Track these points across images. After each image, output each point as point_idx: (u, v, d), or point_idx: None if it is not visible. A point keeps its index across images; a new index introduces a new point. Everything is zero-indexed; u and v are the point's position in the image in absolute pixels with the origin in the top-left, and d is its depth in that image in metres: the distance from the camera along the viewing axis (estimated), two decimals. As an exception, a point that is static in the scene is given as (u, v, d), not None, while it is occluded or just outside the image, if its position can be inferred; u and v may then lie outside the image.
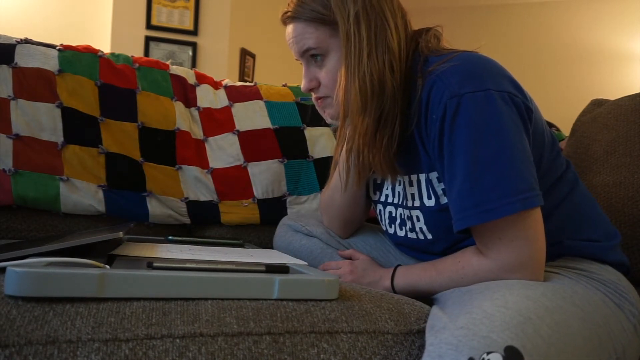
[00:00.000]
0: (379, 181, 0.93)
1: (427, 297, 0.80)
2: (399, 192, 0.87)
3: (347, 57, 0.75)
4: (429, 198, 0.79)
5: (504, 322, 0.52)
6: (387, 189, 0.91)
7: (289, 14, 0.80)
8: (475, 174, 0.67)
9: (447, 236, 0.79)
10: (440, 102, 0.69)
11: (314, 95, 0.86)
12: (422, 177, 0.79)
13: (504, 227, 0.67)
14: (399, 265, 0.85)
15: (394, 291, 0.82)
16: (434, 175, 0.77)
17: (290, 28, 0.81)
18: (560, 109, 3.24)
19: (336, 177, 0.95)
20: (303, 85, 0.84)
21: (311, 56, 0.81)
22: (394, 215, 0.89)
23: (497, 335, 0.50)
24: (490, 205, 0.65)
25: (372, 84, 0.74)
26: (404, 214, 0.86)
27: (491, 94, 0.67)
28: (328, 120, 0.87)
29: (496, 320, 0.53)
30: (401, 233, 0.88)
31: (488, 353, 0.48)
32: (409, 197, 0.83)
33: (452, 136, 0.68)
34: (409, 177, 0.82)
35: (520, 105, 0.70)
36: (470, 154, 0.67)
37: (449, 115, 0.68)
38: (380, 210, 0.93)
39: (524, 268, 0.67)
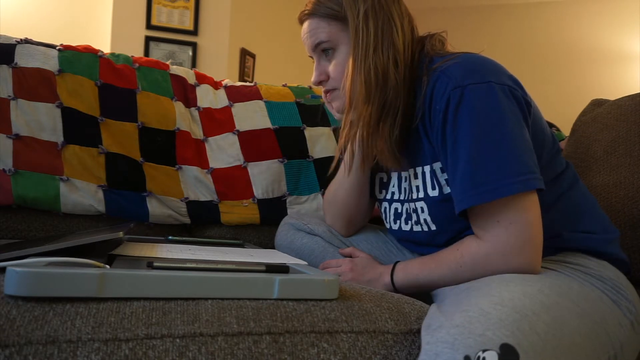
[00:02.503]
0: (385, 180, 0.94)
1: (428, 292, 0.80)
2: (404, 188, 0.88)
3: (354, 51, 0.80)
4: (433, 188, 0.81)
5: (500, 320, 0.52)
6: (393, 187, 0.92)
7: (306, 11, 0.86)
8: (477, 159, 0.69)
9: (451, 226, 0.80)
10: (444, 94, 0.73)
11: (322, 89, 0.90)
12: (427, 168, 0.82)
13: (502, 209, 0.69)
14: (398, 261, 0.86)
15: (394, 287, 0.83)
16: (437, 166, 0.80)
17: (306, 24, 0.87)
18: (560, 109, 3.24)
19: (340, 173, 0.96)
20: (313, 78, 0.88)
21: (322, 51, 0.86)
22: (399, 211, 0.90)
23: (493, 333, 0.50)
24: (490, 186, 0.68)
25: (377, 76, 0.78)
26: (410, 208, 0.87)
27: (492, 86, 0.71)
28: (336, 116, 0.91)
29: (492, 317, 0.53)
30: (406, 227, 0.89)
31: (484, 351, 0.48)
32: (414, 189, 0.85)
33: (455, 124, 0.71)
34: (414, 170, 0.84)
35: (519, 98, 0.73)
36: (473, 140, 0.70)
37: (453, 104, 0.71)
38: (385, 208, 0.94)
39: (521, 252, 0.68)
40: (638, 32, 4.17)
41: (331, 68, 0.86)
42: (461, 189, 0.71)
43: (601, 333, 0.62)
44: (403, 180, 0.88)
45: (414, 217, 0.86)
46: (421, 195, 0.83)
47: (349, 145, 0.88)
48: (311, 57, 0.90)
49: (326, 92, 0.89)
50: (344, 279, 0.88)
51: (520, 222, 0.68)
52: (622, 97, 1.18)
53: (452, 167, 0.73)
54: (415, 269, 0.81)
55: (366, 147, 0.83)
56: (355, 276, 0.89)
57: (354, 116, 0.81)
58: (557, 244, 0.77)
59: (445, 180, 0.78)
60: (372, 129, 0.80)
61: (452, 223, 0.78)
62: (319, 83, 0.89)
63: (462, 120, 0.70)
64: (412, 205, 0.86)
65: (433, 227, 0.83)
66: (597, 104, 1.27)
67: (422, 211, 0.83)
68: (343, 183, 0.97)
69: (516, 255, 0.68)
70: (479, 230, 0.72)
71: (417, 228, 0.86)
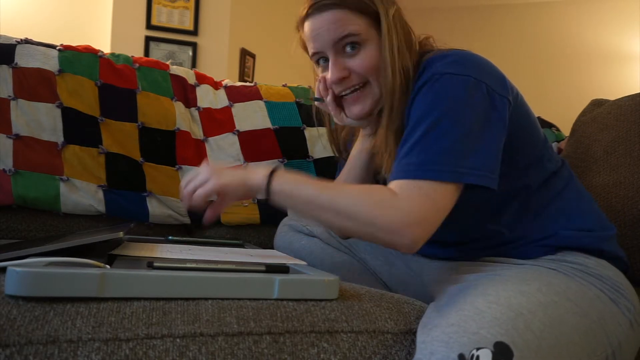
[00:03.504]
0: (381, 183, 0.94)
1: (421, 295, 0.79)
2: None
3: (389, 50, 0.77)
4: None
5: (494, 318, 0.53)
6: None
7: (327, 1, 0.77)
8: (431, 136, 0.68)
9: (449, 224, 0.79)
10: (422, 80, 0.73)
11: (337, 90, 0.82)
12: None
13: (428, 186, 0.66)
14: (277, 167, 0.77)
15: (268, 189, 0.72)
16: None
17: (327, 15, 0.78)
18: (560, 109, 3.24)
19: (341, 177, 0.95)
20: (332, 75, 0.79)
21: (344, 46, 0.78)
22: None
23: (487, 331, 0.51)
24: (430, 167, 0.67)
25: (401, 79, 0.76)
26: None
27: (469, 80, 0.70)
28: (345, 121, 0.85)
29: (486, 316, 0.53)
30: None
31: (477, 349, 0.49)
32: None
33: (423, 100, 0.71)
34: None
35: (495, 99, 0.71)
36: (435, 119, 0.69)
37: (427, 85, 0.71)
38: None
39: (419, 225, 0.65)
40: (638, 32, 4.17)
41: (356, 64, 0.78)
42: (406, 161, 0.69)
43: (599, 332, 0.62)
44: None
45: None
46: None
47: (358, 156, 0.87)
48: (317, 54, 0.81)
49: (339, 95, 0.82)
50: (208, 187, 0.74)
51: (435, 201, 0.66)
52: (622, 97, 1.18)
53: (406, 135, 0.71)
54: (301, 180, 0.72)
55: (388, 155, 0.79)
56: (218, 179, 0.75)
57: (384, 121, 0.78)
58: (555, 243, 0.77)
59: None
60: (394, 136, 0.77)
61: (451, 221, 0.78)
62: (341, 80, 0.80)
63: (430, 99, 0.70)
64: None
65: None
66: (597, 104, 1.27)
67: None
68: None
69: (415, 226, 0.65)
70: (396, 187, 0.68)
71: None
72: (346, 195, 0.69)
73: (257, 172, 0.73)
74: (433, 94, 0.71)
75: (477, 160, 0.68)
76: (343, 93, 0.82)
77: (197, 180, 0.76)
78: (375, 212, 0.66)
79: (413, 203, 0.66)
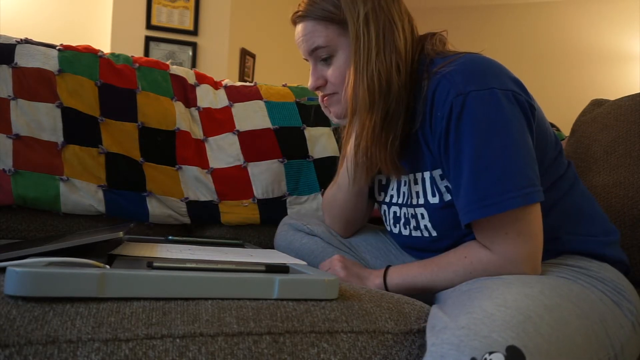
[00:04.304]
0: (384, 182, 0.94)
1: (421, 295, 0.80)
2: (403, 192, 0.87)
3: (356, 57, 0.77)
4: (433, 195, 0.80)
5: (505, 322, 0.52)
6: (392, 190, 0.91)
7: (299, 13, 0.82)
8: (480, 170, 0.69)
9: (452, 233, 0.80)
10: (445, 101, 0.71)
11: (320, 94, 0.87)
12: (427, 175, 0.81)
13: (509, 222, 0.69)
14: (389, 266, 0.85)
15: (386, 287, 0.82)
16: (437, 173, 0.79)
17: (300, 27, 0.83)
18: (560, 109, 3.24)
19: (340, 175, 0.95)
20: (310, 83, 0.85)
21: (319, 55, 0.82)
22: (398, 215, 0.89)
23: (498, 334, 0.50)
24: (493, 200, 0.68)
25: (380, 82, 0.76)
26: (408, 213, 0.86)
27: (495, 93, 0.70)
28: (334, 120, 0.88)
29: (497, 319, 0.53)
30: (405, 232, 0.88)
31: (490, 353, 0.48)
32: (414, 195, 0.84)
33: (458, 134, 0.71)
34: (414, 176, 0.83)
35: (524, 103, 0.72)
36: (476, 151, 0.69)
37: (455, 113, 0.70)
38: (385, 210, 0.94)
39: (529, 261, 0.70)
40: (638, 32, 4.17)
41: (330, 73, 0.82)
42: (465, 202, 0.70)
43: (601, 334, 0.62)
44: (402, 184, 0.88)
45: (413, 223, 0.86)
46: (421, 201, 0.82)
47: (353, 155, 0.85)
48: (306, 59, 0.86)
49: (323, 96, 0.86)
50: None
51: (526, 233, 0.69)
52: (622, 97, 1.18)
53: (455, 178, 0.72)
54: (413, 271, 0.80)
55: (370, 158, 0.81)
56: (347, 276, 0.87)
57: (357, 126, 0.80)
58: (557, 247, 0.77)
59: (446, 187, 0.78)
60: (376, 138, 0.78)
61: (454, 230, 0.78)
62: (317, 88, 0.85)
63: (465, 130, 0.70)
64: (411, 210, 0.85)
65: (434, 234, 0.82)
66: (597, 104, 1.27)
67: (423, 217, 0.83)
68: (342, 187, 0.95)
69: (525, 264, 0.70)
70: (486, 241, 0.72)
71: (416, 233, 0.86)
72: (455, 273, 0.75)
73: (374, 280, 0.83)
74: (468, 121, 0.70)
75: (530, 173, 0.70)
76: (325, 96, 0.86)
77: (331, 270, 0.88)
78: (487, 275, 0.72)
79: (508, 248, 0.70)
